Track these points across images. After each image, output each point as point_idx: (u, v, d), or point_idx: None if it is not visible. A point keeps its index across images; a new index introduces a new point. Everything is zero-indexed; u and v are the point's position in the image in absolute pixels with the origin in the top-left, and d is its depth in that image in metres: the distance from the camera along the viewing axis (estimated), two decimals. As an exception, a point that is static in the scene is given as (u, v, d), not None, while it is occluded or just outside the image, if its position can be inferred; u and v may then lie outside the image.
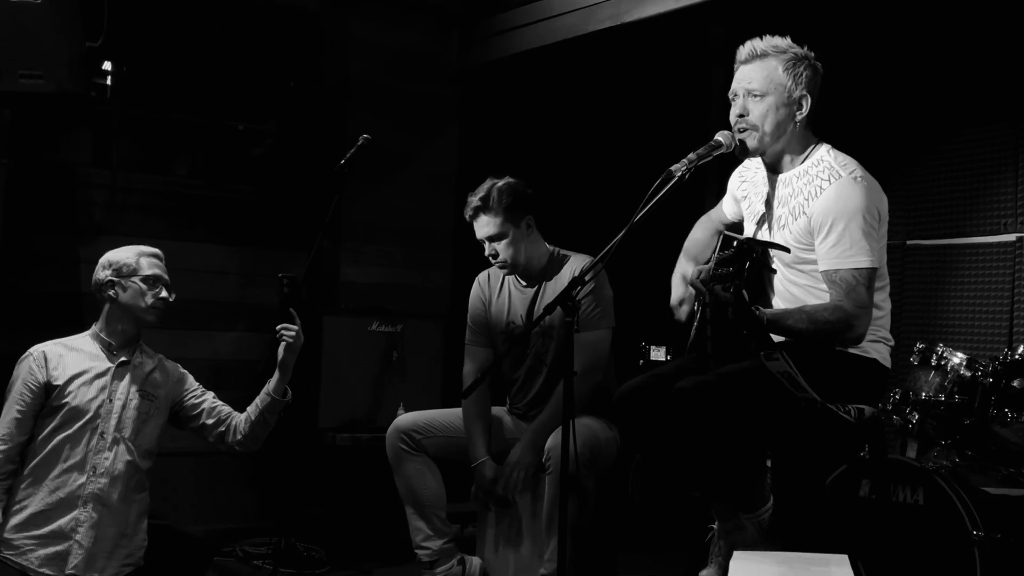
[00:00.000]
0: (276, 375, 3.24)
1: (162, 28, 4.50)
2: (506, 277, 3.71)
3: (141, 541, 3.17)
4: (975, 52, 4.03)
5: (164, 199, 4.61)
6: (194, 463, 4.58)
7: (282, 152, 4.84)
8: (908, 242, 4.29)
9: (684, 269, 3.06)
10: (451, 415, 3.65)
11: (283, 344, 3.22)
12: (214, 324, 4.69)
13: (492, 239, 3.55)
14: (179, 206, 4.64)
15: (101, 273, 3.18)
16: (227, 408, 3.30)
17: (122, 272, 3.16)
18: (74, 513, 3.04)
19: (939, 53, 4.15)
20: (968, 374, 3.17)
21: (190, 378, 3.33)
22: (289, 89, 4.80)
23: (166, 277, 3.23)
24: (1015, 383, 3.07)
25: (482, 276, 3.79)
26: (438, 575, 3.54)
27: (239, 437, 3.25)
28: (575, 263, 3.57)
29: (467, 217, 3.59)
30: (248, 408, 3.27)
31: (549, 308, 2.76)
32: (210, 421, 3.27)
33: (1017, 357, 3.12)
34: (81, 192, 4.46)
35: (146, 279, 3.18)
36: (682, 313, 3.01)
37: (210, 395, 3.33)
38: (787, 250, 2.84)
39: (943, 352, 3.27)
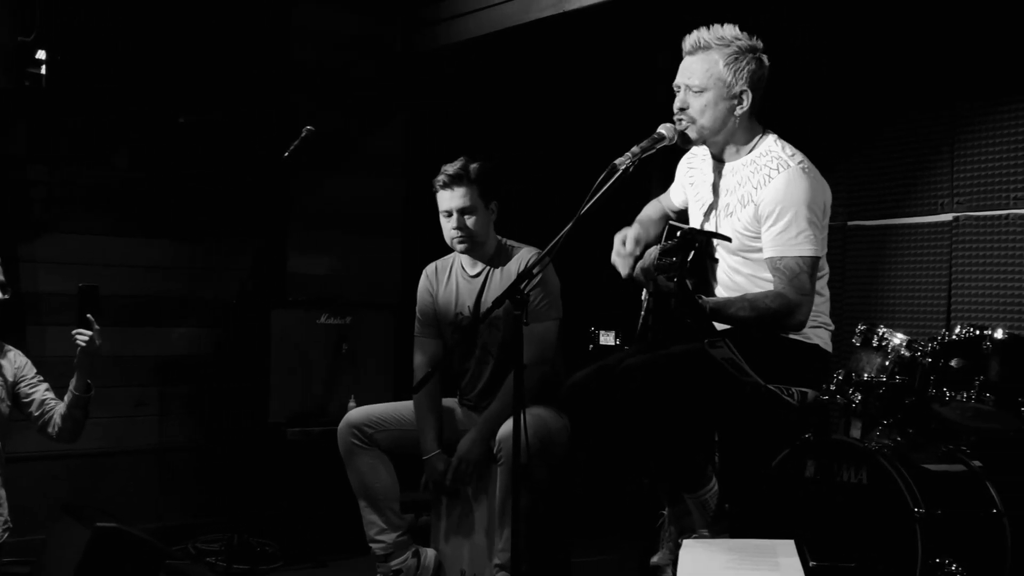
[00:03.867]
0: (75, 375, 3.42)
1: (98, 15, 4.37)
2: (453, 268, 3.71)
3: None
4: (913, 38, 4.10)
5: (105, 193, 4.50)
6: (145, 459, 4.54)
7: (226, 142, 4.75)
8: (849, 223, 4.36)
9: (624, 233, 3.02)
10: (402, 408, 3.65)
11: (79, 348, 3.38)
12: (162, 320, 4.62)
13: (463, 211, 3.51)
14: (121, 200, 4.54)
15: None
16: (54, 402, 3.50)
17: None
18: None
19: (879, 39, 4.21)
20: (908, 354, 3.22)
21: (29, 367, 3.52)
22: (232, 77, 4.72)
23: (1, 278, 3.39)
24: (952, 363, 3.13)
25: (429, 268, 3.78)
26: (393, 568, 3.55)
27: (56, 429, 3.46)
28: (523, 256, 3.58)
29: (438, 186, 3.53)
30: (60, 404, 3.47)
31: (498, 301, 2.77)
32: (37, 412, 3.48)
33: (954, 337, 3.18)
34: (18, 188, 4.35)
35: None
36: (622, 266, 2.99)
37: (43, 387, 3.52)
38: (729, 239, 2.87)
39: (884, 333, 3.31)
